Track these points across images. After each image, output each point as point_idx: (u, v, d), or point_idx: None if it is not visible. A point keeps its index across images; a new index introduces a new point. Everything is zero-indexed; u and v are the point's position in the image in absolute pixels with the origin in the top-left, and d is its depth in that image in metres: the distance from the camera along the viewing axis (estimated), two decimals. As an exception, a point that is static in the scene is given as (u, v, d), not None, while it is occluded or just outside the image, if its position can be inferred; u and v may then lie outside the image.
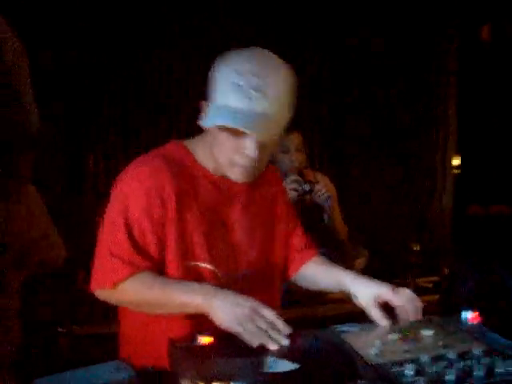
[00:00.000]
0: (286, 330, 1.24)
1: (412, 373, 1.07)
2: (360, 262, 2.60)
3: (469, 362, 1.12)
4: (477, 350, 1.18)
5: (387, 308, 1.48)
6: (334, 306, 2.59)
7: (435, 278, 3.20)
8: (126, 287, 1.37)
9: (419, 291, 2.94)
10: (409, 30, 3.97)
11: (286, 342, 1.21)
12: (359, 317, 1.48)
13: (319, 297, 2.62)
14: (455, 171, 4.25)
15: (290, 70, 1.41)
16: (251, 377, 1.04)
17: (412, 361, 1.12)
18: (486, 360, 1.12)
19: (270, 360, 1.12)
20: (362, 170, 3.95)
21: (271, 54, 1.42)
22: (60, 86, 3.27)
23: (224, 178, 1.49)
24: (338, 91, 3.89)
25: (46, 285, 2.61)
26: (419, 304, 1.46)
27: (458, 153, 4.23)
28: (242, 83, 1.32)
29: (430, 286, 3.08)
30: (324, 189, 2.61)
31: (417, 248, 3.04)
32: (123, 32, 3.44)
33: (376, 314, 1.46)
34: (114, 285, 1.37)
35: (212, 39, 3.50)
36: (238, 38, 3.41)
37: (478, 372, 1.07)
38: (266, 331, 1.22)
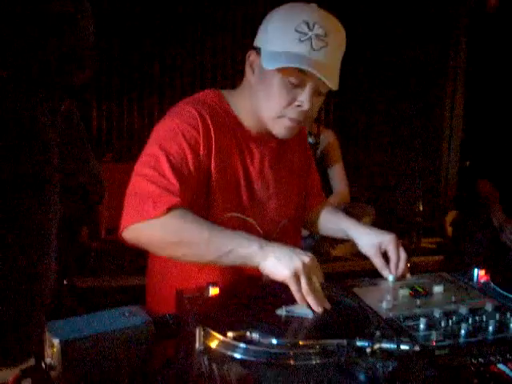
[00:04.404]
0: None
1: (425, 327, 1.07)
2: (366, 220, 2.58)
3: (481, 318, 1.12)
4: (488, 306, 1.18)
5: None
6: (342, 264, 2.60)
7: (439, 239, 3.20)
8: (169, 220, 1.24)
9: (423, 252, 2.97)
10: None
11: (329, 306, 1.14)
12: (366, 274, 1.47)
13: (324, 255, 2.63)
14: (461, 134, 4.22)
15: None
16: (267, 326, 1.03)
17: (424, 315, 1.12)
18: (497, 316, 1.13)
19: (284, 310, 1.11)
20: (368, 127, 3.90)
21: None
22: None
23: (258, 133, 1.46)
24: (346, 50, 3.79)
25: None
26: (403, 264, 1.44)
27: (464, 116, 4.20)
28: (307, 31, 1.31)
29: (434, 247, 3.08)
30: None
31: (421, 208, 3.02)
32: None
33: (378, 263, 1.46)
34: (162, 213, 1.23)
35: None
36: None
37: (490, 327, 1.08)
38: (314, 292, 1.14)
